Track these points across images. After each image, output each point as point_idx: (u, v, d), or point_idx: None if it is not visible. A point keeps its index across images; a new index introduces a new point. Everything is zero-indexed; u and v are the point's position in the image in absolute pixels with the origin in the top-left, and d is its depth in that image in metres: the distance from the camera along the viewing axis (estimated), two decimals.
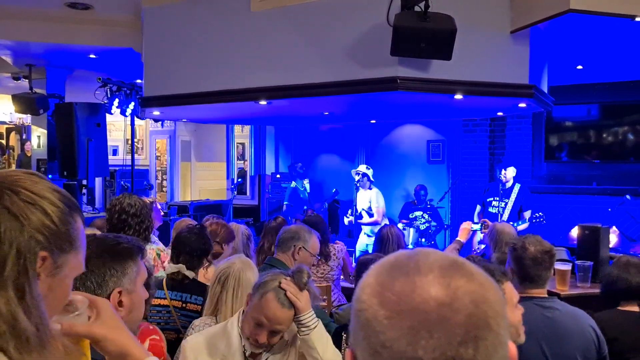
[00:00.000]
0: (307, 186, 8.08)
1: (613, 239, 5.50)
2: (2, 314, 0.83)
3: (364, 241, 6.79)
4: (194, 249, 2.95)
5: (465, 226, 4.21)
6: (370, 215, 6.80)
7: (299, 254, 3.11)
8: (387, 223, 6.16)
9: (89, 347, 1.09)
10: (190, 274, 2.90)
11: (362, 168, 6.90)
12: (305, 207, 7.33)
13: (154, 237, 3.59)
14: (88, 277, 1.36)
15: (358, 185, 6.64)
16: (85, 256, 1.03)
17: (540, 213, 5.68)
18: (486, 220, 5.33)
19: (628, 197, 6.19)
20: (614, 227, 5.96)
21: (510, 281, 2.02)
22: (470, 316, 0.64)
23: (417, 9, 3.50)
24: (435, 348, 0.62)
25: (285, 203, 7.64)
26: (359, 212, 6.68)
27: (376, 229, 6.54)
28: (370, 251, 6.14)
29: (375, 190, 6.87)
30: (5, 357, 0.83)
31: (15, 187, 0.88)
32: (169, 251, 3.13)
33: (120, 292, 1.37)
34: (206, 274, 3.20)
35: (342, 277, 4.35)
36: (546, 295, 2.52)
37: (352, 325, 0.70)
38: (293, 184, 7.69)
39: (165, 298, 2.81)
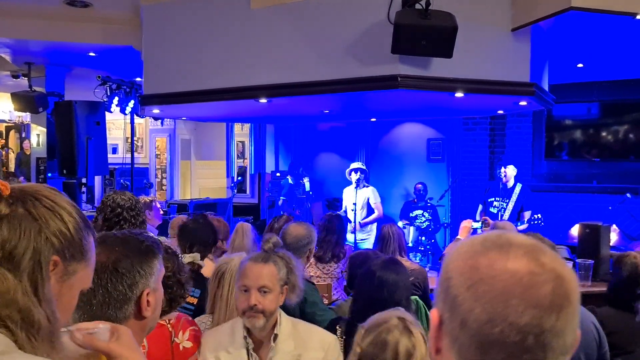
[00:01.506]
0: (307, 185, 8.08)
1: (613, 237, 5.49)
2: (18, 303, 0.89)
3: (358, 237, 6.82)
4: (206, 236, 2.96)
5: (466, 224, 4.19)
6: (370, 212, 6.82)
7: (309, 253, 3.16)
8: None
9: None
10: (202, 263, 2.90)
11: (358, 165, 6.90)
12: (294, 206, 7.35)
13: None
14: (119, 280, 1.35)
15: (358, 183, 6.62)
16: (115, 259, 1.21)
17: (538, 215, 5.67)
18: (487, 218, 5.32)
19: (629, 195, 6.18)
20: (614, 226, 5.95)
21: None
22: (555, 287, 0.74)
23: (418, 6, 3.50)
24: (524, 309, 0.72)
25: (282, 198, 7.64)
26: (355, 209, 6.68)
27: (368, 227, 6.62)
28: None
29: (371, 187, 6.89)
30: (15, 345, 0.88)
31: (38, 196, 0.97)
32: None
33: (148, 293, 1.38)
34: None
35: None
36: None
37: (441, 290, 0.80)
38: (290, 180, 7.69)
39: None
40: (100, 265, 1.34)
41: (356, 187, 6.59)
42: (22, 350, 0.89)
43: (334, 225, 4.18)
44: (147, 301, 1.37)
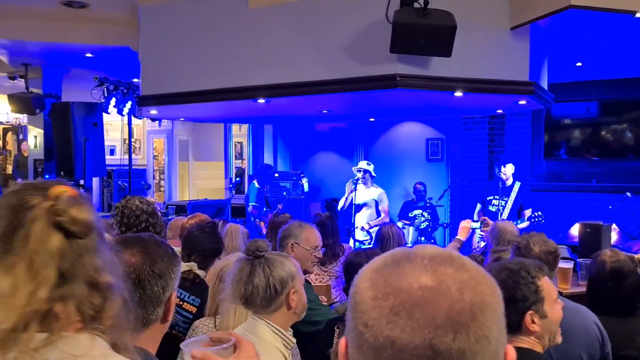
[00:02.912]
0: (306, 185, 8.05)
1: (613, 236, 5.47)
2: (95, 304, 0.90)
3: (359, 237, 6.78)
4: (206, 248, 2.90)
5: (465, 224, 4.18)
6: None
7: (293, 251, 3.01)
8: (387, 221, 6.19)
9: None
10: (201, 273, 2.84)
11: (363, 164, 6.84)
12: (265, 209, 7.19)
13: None
14: (156, 281, 1.37)
15: (359, 182, 6.58)
16: (152, 261, 1.32)
17: (539, 212, 5.65)
18: (486, 218, 5.30)
19: (629, 194, 6.16)
20: (614, 225, 5.94)
21: (547, 276, 1.93)
22: (454, 303, 0.63)
23: (416, 5, 3.48)
24: (412, 329, 0.62)
25: (251, 204, 7.35)
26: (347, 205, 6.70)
27: (374, 229, 6.54)
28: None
29: (381, 190, 6.85)
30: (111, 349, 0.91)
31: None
32: None
33: (173, 296, 1.43)
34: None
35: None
36: None
37: (347, 312, 0.72)
38: (256, 184, 7.46)
39: None
40: (138, 267, 1.36)
41: (355, 187, 6.56)
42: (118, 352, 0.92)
43: (327, 225, 4.18)
44: (171, 304, 1.42)
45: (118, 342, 0.92)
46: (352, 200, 6.53)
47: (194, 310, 2.74)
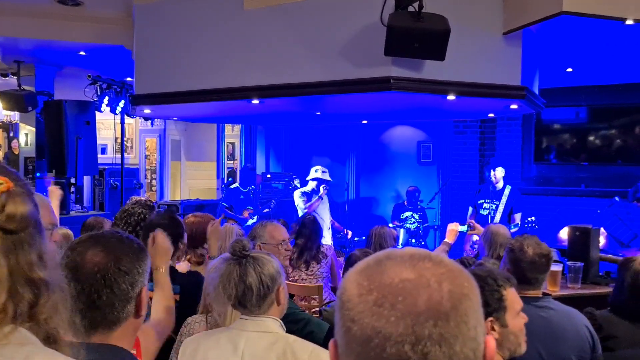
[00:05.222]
0: (299, 186, 8.06)
1: (601, 240, 5.52)
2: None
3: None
4: (168, 234, 2.88)
5: (452, 227, 4.21)
6: None
7: (261, 250, 3.11)
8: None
9: None
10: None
11: (313, 184, 6.86)
12: (249, 207, 7.20)
13: None
14: (123, 279, 1.34)
15: (321, 197, 6.70)
16: (116, 258, 1.31)
17: (532, 218, 5.68)
18: (472, 221, 5.35)
19: (617, 199, 6.23)
20: (602, 229, 5.99)
21: (514, 287, 1.95)
22: (433, 293, 0.68)
23: (410, 9, 3.51)
24: (396, 318, 0.67)
25: (221, 203, 7.28)
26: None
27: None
28: None
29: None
30: None
31: None
32: None
33: (144, 291, 1.40)
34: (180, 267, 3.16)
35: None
36: (541, 295, 2.51)
37: (335, 314, 0.76)
38: (235, 185, 7.46)
39: None
40: (103, 266, 1.33)
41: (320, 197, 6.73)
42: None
43: (306, 227, 4.21)
44: (142, 299, 1.39)
45: (51, 335, 0.87)
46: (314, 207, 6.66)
47: (177, 297, 2.75)
